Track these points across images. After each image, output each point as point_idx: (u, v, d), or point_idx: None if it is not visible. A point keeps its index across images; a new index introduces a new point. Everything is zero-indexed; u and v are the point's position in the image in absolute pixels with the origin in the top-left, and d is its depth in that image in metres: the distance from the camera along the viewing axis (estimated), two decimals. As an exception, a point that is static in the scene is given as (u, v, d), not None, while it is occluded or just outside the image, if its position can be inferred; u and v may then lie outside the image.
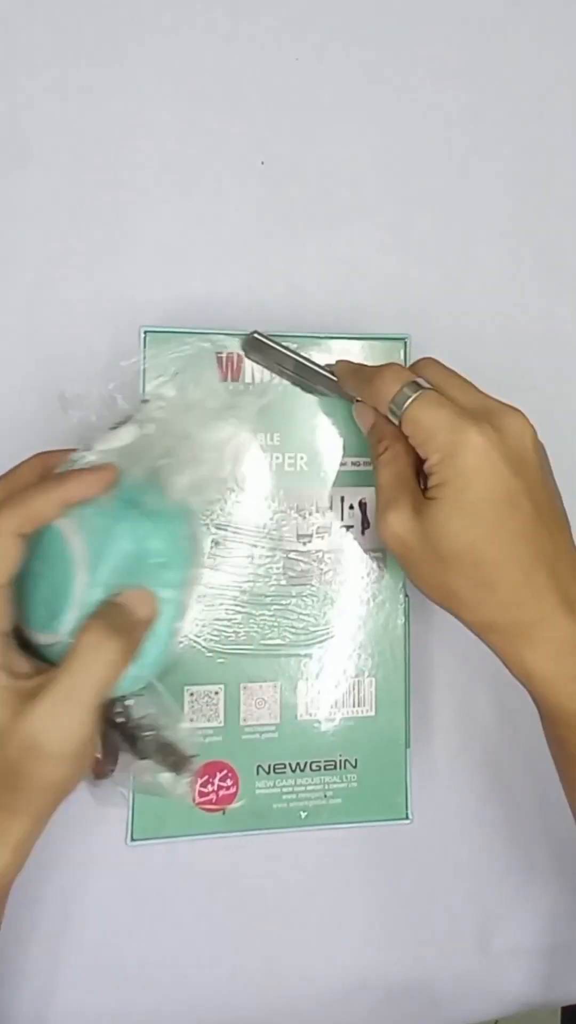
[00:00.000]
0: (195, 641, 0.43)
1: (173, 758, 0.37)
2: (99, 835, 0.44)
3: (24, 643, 0.35)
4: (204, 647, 0.43)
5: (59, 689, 0.32)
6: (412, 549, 0.36)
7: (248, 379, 0.44)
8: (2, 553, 0.33)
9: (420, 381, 0.37)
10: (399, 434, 0.38)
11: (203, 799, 0.43)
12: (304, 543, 0.44)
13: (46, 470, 0.37)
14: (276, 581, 0.44)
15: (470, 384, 0.39)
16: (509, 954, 0.48)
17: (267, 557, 0.44)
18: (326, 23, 0.51)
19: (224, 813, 0.43)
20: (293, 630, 0.44)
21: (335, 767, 0.44)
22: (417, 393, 0.37)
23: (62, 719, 0.32)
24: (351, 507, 0.45)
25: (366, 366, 0.42)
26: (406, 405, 0.37)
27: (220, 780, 0.43)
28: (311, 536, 0.44)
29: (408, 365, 0.43)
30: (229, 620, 0.44)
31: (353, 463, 0.45)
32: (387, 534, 0.37)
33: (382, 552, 0.45)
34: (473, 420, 0.36)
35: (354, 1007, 0.47)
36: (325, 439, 0.45)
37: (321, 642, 0.44)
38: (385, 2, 0.51)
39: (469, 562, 0.35)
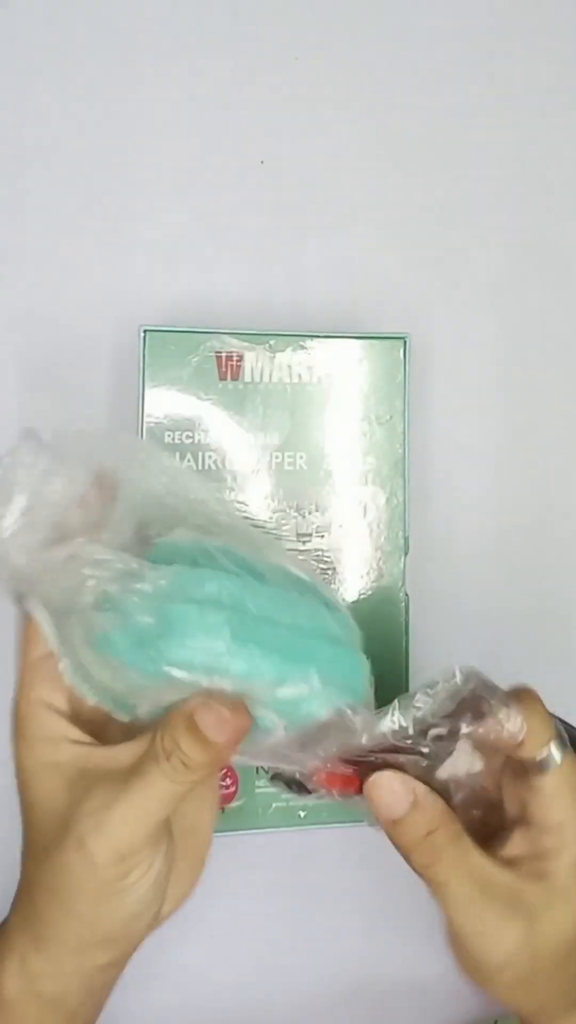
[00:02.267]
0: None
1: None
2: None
3: None
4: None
5: (110, 804, 0.28)
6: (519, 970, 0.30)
7: (248, 378, 0.44)
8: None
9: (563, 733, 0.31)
10: (451, 815, 0.31)
11: (203, 798, 0.43)
12: (304, 542, 0.44)
13: None
14: (276, 581, 0.44)
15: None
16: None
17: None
18: (326, 23, 0.51)
19: (223, 812, 0.43)
20: (293, 630, 0.44)
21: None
22: (563, 753, 0.31)
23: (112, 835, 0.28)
24: (351, 506, 0.45)
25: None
26: (556, 764, 0.30)
27: (219, 779, 0.43)
28: (311, 535, 0.44)
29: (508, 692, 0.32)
30: (229, 619, 0.43)
31: (352, 462, 0.45)
32: (510, 967, 0.30)
33: (381, 552, 0.45)
34: None
35: (354, 1007, 0.47)
36: (325, 439, 0.45)
37: (321, 642, 0.44)
38: (385, 2, 0.51)
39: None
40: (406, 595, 0.45)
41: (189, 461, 0.44)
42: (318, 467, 0.45)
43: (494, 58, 0.52)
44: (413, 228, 0.51)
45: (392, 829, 0.30)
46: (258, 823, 0.44)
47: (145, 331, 0.43)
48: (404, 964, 0.47)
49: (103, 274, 0.48)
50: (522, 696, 0.31)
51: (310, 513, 0.45)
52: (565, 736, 0.32)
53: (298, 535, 0.44)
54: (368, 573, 0.45)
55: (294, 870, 0.47)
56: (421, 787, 0.30)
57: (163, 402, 0.43)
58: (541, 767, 0.31)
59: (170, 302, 0.48)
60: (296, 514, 0.44)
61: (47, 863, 0.29)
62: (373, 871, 0.47)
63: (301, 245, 0.49)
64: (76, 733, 0.30)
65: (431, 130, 0.51)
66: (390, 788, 0.30)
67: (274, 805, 0.44)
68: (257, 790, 0.44)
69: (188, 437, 0.44)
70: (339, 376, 0.45)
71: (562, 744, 0.31)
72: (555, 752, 0.31)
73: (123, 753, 0.29)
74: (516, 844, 0.32)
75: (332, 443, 0.45)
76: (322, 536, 0.44)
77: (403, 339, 0.46)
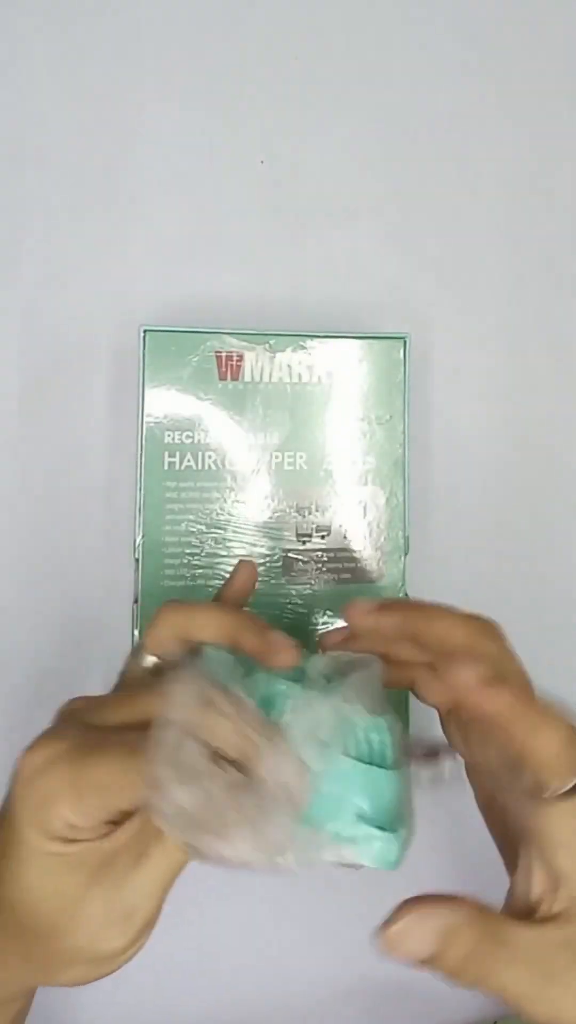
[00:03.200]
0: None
1: None
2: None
3: None
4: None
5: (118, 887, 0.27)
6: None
7: (248, 378, 0.44)
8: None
9: None
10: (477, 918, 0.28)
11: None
12: (303, 542, 0.44)
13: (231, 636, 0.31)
14: (275, 580, 0.44)
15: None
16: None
17: (266, 556, 0.44)
18: (326, 23, 0.51)
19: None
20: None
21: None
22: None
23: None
24: (351, 506, 0.45)
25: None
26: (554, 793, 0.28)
27: None
28: (310, 535, 0.44)
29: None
30: (229, 619, 0.44)
31: (352, 462, 0.45)
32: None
33: (381, 552, 0.45)
34: None
35: (353, 1007, 0.47)
36: (325, 439, 0.45)
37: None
38: (385, 2, 0.51)
39: None
40: (406, 595, 0.45)
41: (189, 461, 0.44)
42: (318, 467, 0.45)
43: (494, 58, 0.52)
44: (413, 228, 0.51)
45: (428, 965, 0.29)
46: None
47: (145, 331, 0.43)
48: (404, 964, 0.47)
49: (103, 274, 0.48)
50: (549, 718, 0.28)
51: (310, 513, 0.45)
52: None
53: (298, 535, 0.44)
54: (368, 573, 0.45)
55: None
56: (439, 921, 0.29)
57: (163, 402, 0.43)
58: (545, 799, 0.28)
59: (170, 302, 0.48)
60: (296, 514, 0.44)
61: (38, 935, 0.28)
62: (373, 871, 0.47)
63: (301, 245, 0.49)
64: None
65: (431, 130, 0.51)
66: (409, 935, 0.29)
67: (274, 805, 0.44)
68: (257, 790, 0.44)
69: (188, 437, 0.44)
70: (339, 376, 0.45)
71: None
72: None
73: (123, 837, 0.28)
74: (537, 893, 0.29)
75: (332, 443, 0.45)
76: (322, 536, 0.45)
77: (403, 339, 0.46)
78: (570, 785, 0.28)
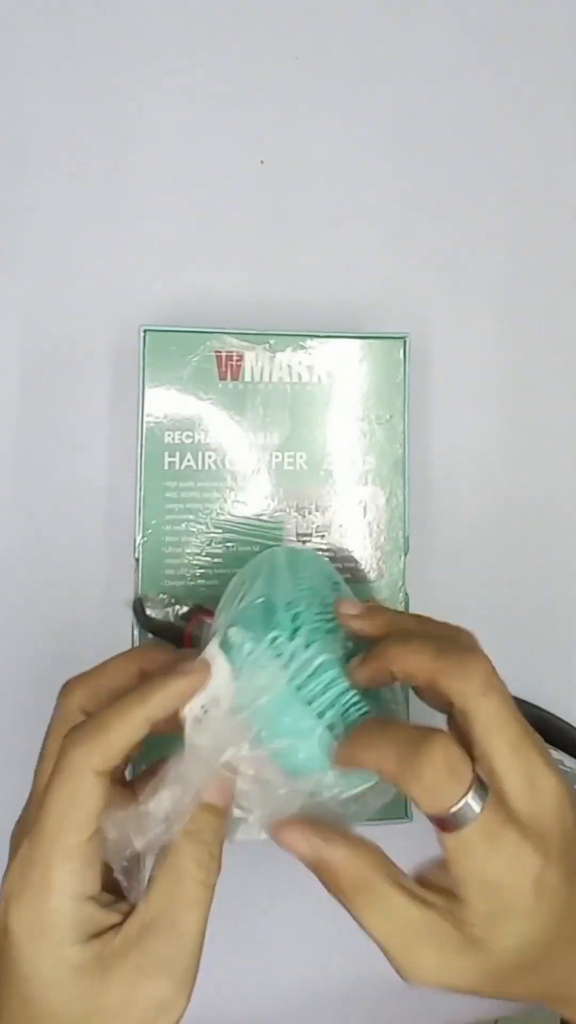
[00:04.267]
0: (195, 640, 0.43)
1: None
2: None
3: None
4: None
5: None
6: (468, 986, 0.29)
7: (248, 378, 0.44)
8: (80, 797, 0.27)
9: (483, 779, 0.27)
10: (358, 859, 0.30)
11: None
12: (303, 542, 0.44)
13: (142, 673, 0.31)
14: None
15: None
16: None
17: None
18: (326, 23, 0.51)
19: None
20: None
21: (335, 767, 0.44)
22: (480, 809, 0.27)
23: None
24: (351, 506, 0.45)
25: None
26: (465, 827, 0.27)
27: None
28: (310, 535, 0.44)
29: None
30: (229, 619, 0.44)
31: (352, 462, 0.45)
32: (433, 986, 0.29)
33: (381, 552, 0.45)
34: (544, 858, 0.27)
35: (353, 1007, 0.47)
36: (325, 439, 0.45)
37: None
38: (385, 2, 0.52)
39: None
40: (406, 595, 0.45)
41: (189, 461, 0.44)
42: (318, 467, 0.45)
43: (494, 58, 0.52)
44: (413, 228, 0.51)
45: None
46: (258, 823, 0.44)
47: (145, 331, 0.43)
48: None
49: (103, 274, 0.48)
50: (423, 746, 0.27)
51: (310, 513, 0.44)
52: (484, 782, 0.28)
53: (298, 535, 0.44)
54: (368, 573, 0.45)
55: (294, 870, 0.47)
56: (319, 841, 0.30)
57: (163, 402, 0.43)
58: (445, 825, 0.27)
59: (170, 302, 0.48)
60: (296, 514, 0.44)
61: None
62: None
63: (301, 245, 0.49)
64: (103, 918, 0.28)
65: (431, 130, 0.51)
66: (294, 842, 0.30)
67: (274, 805, 0.44)
68: (257, 790, 0.43)
69: (188, 437, 0.44)
70: (339, 376, 0.45)
71: (481, 792, 0.27)
72: (464, 808, 0.27)
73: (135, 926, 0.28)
74: (442, 873, 0.29)
75: (332, 443, 0.45)
76: (322, 536, 0.44)
77: (403, 339, 0.46)
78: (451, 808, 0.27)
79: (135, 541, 0.43)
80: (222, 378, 0.44)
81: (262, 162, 0.50)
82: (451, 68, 0.52)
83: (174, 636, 0.42)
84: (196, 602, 0.42)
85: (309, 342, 0.45)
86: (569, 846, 0.28)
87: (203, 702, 0.30)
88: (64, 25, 0.48)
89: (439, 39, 0.52)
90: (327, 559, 0.40)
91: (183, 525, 0.43)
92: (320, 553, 0.43)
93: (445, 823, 0.27)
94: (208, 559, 0.43)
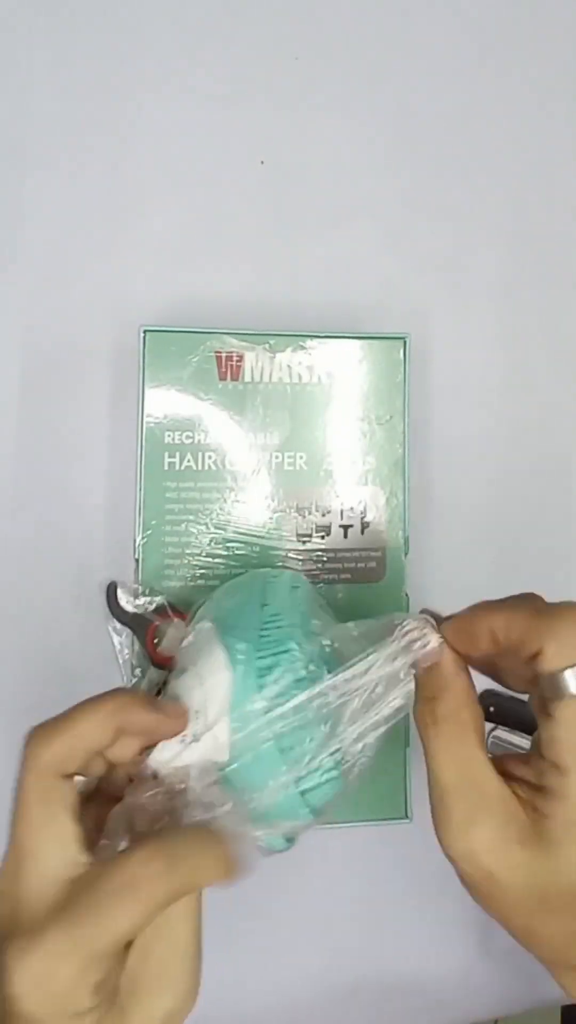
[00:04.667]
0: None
1: None
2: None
3: None
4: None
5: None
6: (507, 887, 0.26)
7: (248, 378, 0.44)
8: (57, 798, 0.27)
9: None
10: (471, 697, 0.29)
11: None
12: (303, 542, 0.44)
13: (118, 731, 0.29)
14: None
15: None
16: (509, 954, 0.48)
17: (266, 556, 0.44)
18: (326, 23, 0.51)
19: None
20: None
21: (335, 767, 0.44)
22: None
23: None
24: (351, 506, 0.45)
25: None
26: (569, 693, 0.26)
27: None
28: (310, 535, 0.44)
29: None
30: (229, 620, 0.44)
31: (352, 462, 0.45)
32: (469, 863, 0.27)
33: (381, 552, 0.45)
34: None
35: (354, 1007, 0.47)
36: (325, 439, 0.45)
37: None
38: (385, 2, 0.51)
39: None
40: (406, 595, 0.45)
41: (189, 461, 0.44)
42: (318, 467, 0.45)
43: (494, 58, 0.52)
44: (413, 228, 0.51)
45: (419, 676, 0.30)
46: (258, 823, 0.44)
47: (145, 331, 0.43)
48: (404, 964, 0.47)
49: (103, 274, 0.48)
50: (556, 609, 0.28)
51: (310, 513, 0.44)
52: None
53: (298, 535, 0.44)
54: (368, 573, 0.45)
55: (294, 870, 0.47)
56: (453, 659, 0.29)
57: (163, 402, 0.43)
58: (554, 690, 0.26)
59: (170, 302, 0.48)
60: (296, 514, 0.44)
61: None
62: (373, 871, 0.47)
63: (301, 245, 0.49)
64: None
65: (431, 130, 0.51)
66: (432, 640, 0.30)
67: (274, 805, 0.44)
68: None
69: (188, 437, 0.44)
70: (339, 376, 0.45)
71: None
72: (571, 679, 0.26)
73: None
74: (527, 767, 0.28)
75: (332, 443, 0.45)
76: (322, 536, 0.44)
77: (403, 339, 0.46)
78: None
79: (135, 541, 0.43)
80: (222, 378, 0.44)
81: (262, 162, 0.50)
82: (451, 68, 0.52)
83: (139, 628, 0.43)
84: (167, 599, 0.43)
85: (309, 342, 0.45)
86: None
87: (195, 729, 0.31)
88: (64, 25, 0.48)
89: (439, 39, 0.52)
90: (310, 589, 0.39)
91: (183, 525, 0.43)
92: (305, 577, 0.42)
93: (559, 688, 0.26)
94: (208, 559, 0.43)
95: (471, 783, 0.27)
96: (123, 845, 0.28)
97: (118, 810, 0.29)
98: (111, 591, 0.43)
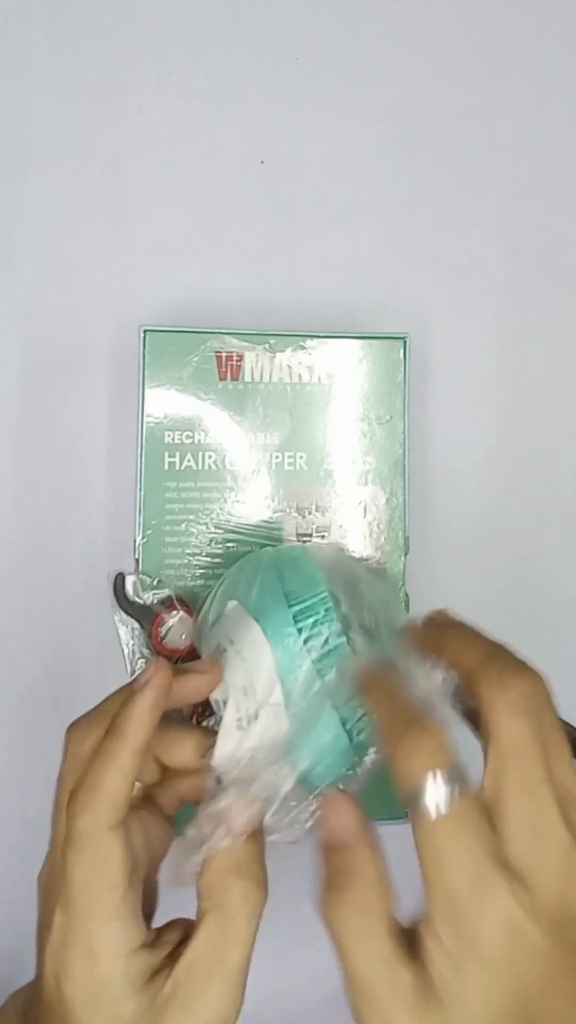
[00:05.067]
0: (195, 640, 0.43)
1: None
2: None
3: None
4: (204, 646, 0.43)
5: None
6: None
7: (248, 378, 0.44)
8: (101, 860, 0.27)
9: (462, 771, 0.25)
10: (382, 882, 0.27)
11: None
12: (303, 542, 0.44)
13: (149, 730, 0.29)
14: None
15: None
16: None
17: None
18: (326, 23, 0.51)
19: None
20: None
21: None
22: (452, 799, 0.24)
23: None
24: (351, 506, 0.45)
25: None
26: (431, 811, 0.24)
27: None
28: (311, 535, 0.44)
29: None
30: (229, 620, 0.44)
31: (352, 462, 0.45)
32: None
33: (381, 552, 0.45)
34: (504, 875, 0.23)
35: (354, 1007, 0.47)
36: (325, 439, 0.45)
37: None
38: (385, 2, 0.51)
39: None
40: (406, 595, 0.45)
41: (189, 461, 0.44)
42: (318, 467, 0.45)
43: (494, 58, 0.52)
44: (413, 228, 0.51)
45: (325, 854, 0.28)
46: (258, 823, 0.44)
47: (145, 331, 0.43)
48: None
49: (103, 274, 0.48)
50: (392, 722, 0.26)
51: (310, 513, 0.44)
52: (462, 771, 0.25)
53: (298, 535, 0.44)
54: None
55: (294, 870, 0.47)
56: (360, 832, 0.28)
57: (163, 402, 0.43)
58: (413, 810, 0.25)
59: (170, 302, 0.48)
60: (296, 514, 0.44)
61: None
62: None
63: (301, 245, 0.49)
64: (152, 961, 0.28)
65: (431, 130, 0.51)
66: (338, 818, 0.28)
67: (274, 805, 0.44)
68: (257, 790, 0.44)
69: (188, 437, 0.44)
70: (339, 376, 0.45)
71: (455, 779, 0.24)
72: (429, 795, 0.24)
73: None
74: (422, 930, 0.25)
75: (332, 443, 0.45)
76: (322, 536, 0.44)
77: (403, 339, 0.46)
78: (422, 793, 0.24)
79: (135, 541, 0.43)
80: (222, 378, 0.44)
81: (262, 162, 0.50)
82: (451, 68, 0.52)
83: (145, 619, 0.43)
84: (175, 591, 0.43)
85: (309, 342, 0.45)
86: (566, 918, 0.23)
87: (246, 707, 0.31)
88: (64, 25, 0.48)
89: (439, 39, 0.52)
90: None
91: (183, 525, 0.43)
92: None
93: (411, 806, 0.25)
94: (208, 559, 0.43)
95: (385, 981, 0.25)
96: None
97: (193, 836, 0.29)
98: (118, 582, 0.43)
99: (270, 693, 0.31)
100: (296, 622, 0.32)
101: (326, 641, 0.32)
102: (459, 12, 0.52)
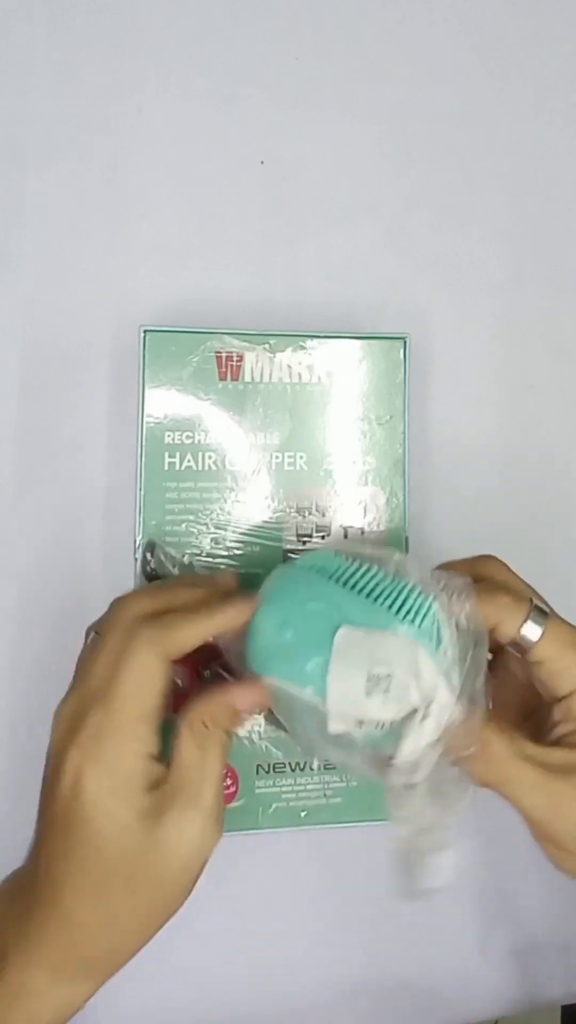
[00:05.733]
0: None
1: None
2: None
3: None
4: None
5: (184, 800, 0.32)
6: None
7: (248, 379, 0.44)
8: (152, 671, 0.32)
9: (542, 606, 0.36)
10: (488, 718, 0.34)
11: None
12: (303, 542, 0.44)
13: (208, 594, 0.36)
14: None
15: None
16: (509, 954, 0.48)
17: (266, 557, 0.44)
18: (326, 23, 0.51)
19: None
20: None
21: (335, 766, 0.44)
22: (543, 625, 0.35)
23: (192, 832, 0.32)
24: (351, 506, 0.45)
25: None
26: (540, 635, 0.35)
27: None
28: (311, 535, 0.44)
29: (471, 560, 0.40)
30: (229, 620, 0.43)
31: (352, 462, 0.45)
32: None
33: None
34: None
35: (354, 1007, 0.47)
36: (325, 439, 0.45)
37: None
38: (385, 2, 0.51)
39: None
40: (406, 595, 0.45)
41: (189, 461, 0.44)
42: (318, 467, 0.45)
43: (494, 58, 0.52)
44: (413, 228, 0.51)
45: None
46: (258, 823, 0.44)
47: (145, 331, 0.43)
48: (404, 964, 0.47)
49: (103, 274, 0.48)
50: (481, 587, 0.35)
51: (310, 513, 0.45)
52: (544, 607, 0.35)
53: (298, 535, 0.44)
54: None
55: (294, 870, 0.47)
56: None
57: (163, 402, 0.43)
58: (523, 647, 0.35)
59: (170, 302, 0.48)
60: (296, 514, 0.44)
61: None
62: (373, 871, 0.47)
63: (301, 245, 0.49)
64: (158, 771, 0.33)
65: (431, 130, 0.51)
66: None
67: (274, 805, 0.44)
68: (257, 790, 0.44)
69: (188, 437, 0.44)
70: (339, 376, 0.45)
71: (540, 615, 0.35)
72: (528, 630, 0.34)
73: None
74: (555, 722, 0.35)
75: (332, 443, 0.45)
76: (322, 536, 0.44)
77: (403, 339, 0.46)
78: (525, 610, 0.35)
79: (135, 541, 0.43)
80: (222, 378, 0.44)
81: (262, 162, 0.50)
82: (451, 68, 0.52)
83: None
84: (205, 566, 0.43)
85: (309, 342, 0.45)
86: None
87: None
88: (64, 25, 0.48)
89: (439, 39, 0.52)
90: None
91: (183, 525, 0.43)
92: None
93: (519, 649, 0.35)
94: (208, 559, 0.43)
95: (551, 770, 0.34)
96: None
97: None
98: (149, 550, 0.43)
99: (435, 684, 0.32)
100: (403, 612, 0.33)
101: (428, 607, 0.33)
102: (459, 12, 0.52)
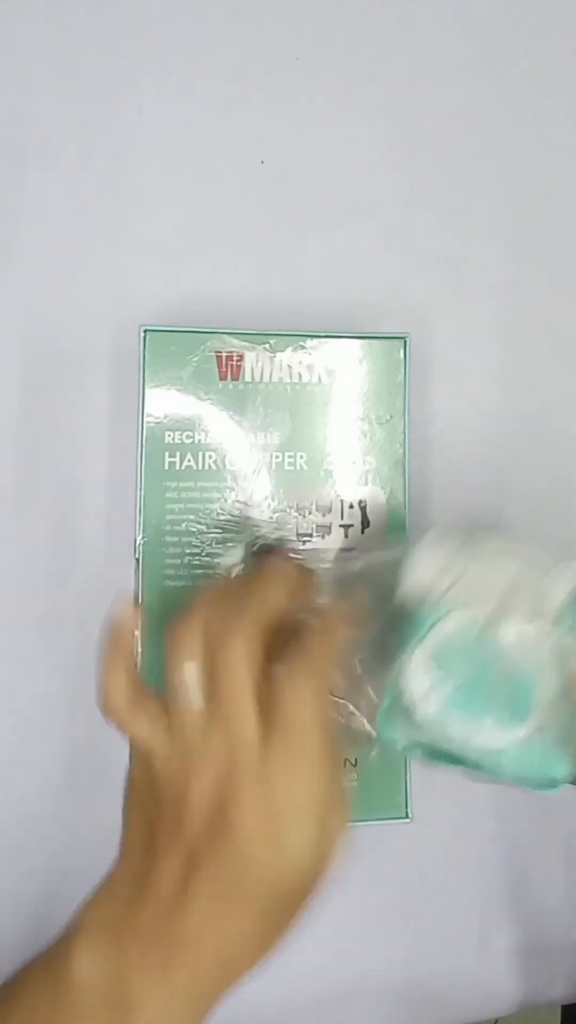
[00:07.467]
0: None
1: None
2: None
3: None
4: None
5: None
6: None
7: (248, 378, 0.44)
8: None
9: None
10: None
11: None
12: (303, 542, 0.44)
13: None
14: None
15: None
16: (509, 954, 0.48)
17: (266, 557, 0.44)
18: (326, 23, 0.51)
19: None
20: (293, 629, 0.44)
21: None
22: None
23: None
24: (351, 506, 0.45)
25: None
26: None
27: None
28: (311, 535, 0.44)
29: None
30: (229, 619, 0.43)
31: (352, 462, 0.45)
32: None
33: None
34: None
35: (354, 1007, 0.47)
36: (325, 439, 0.45)
37: (321, 641, 0.44)
38: (385, 2, 0.52)
39: None
40: (406, 595, 0.45)
41: (189, 461, 0.44)
42: (318, 467, 0.45)
43: (494, 58, 0.52)
44: (413, 228, 0.51)
45: None
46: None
47: (145, 331, 0.43)
48: (404, 964, 0.47)
49: (103, 274, 0.48)
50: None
51: (310, 513, 0.45)
52: None
53: (298, 535, 0.44)
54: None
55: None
56: None
57: (163, 402, 0.43)
58: None
59: (170, 302, 0.48)
60: (296, 514, 0.44)
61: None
62: (374, 871, 0.47)
63: (301, 245, 0.49)
64: None
65: (431, 130, 0.51)
66: None
67: (274, 805, 0.44)
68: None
69: (188, 437, 0.44)
70: (339, 376, 0.45)
71: None
72: None
73: None
74: None
75: (332, 443, 0.45)
76: (322, 536, 0.44)
77: (403, 339, 0.46)
78: None
79: (135, 541, 0.43)
80: (222, 378, 0.44)
81: (262, 162, 0.50)
82: (451, 68, 0.52)
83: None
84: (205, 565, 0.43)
85: (309, 342, 0.45)
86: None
87: None
88: (64, 25, 0.48)
89: (439, 39, 0.52)
90: None
91: (183, 525, 0.43)
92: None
93: None
94: (209, 559, 0.43)
95: None
96: None
97: None
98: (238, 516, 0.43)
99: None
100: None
101: None
102: (459, 12, 0.52)
